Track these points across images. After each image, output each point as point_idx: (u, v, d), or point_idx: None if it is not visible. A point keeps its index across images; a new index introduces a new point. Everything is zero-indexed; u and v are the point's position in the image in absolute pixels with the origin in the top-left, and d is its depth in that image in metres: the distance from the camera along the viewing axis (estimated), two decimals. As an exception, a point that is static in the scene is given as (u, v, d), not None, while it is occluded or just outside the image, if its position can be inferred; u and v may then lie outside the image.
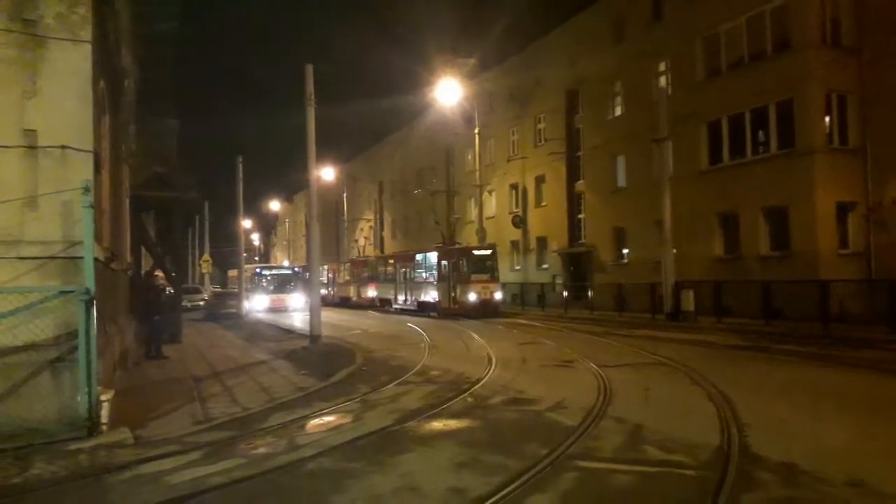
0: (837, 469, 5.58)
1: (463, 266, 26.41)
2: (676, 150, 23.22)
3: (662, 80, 25.13)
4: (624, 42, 27.35)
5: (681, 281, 21.36)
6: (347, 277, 40.80)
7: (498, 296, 26.44)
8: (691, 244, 23.00)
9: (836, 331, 15.86)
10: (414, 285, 30.50)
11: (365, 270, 37.99)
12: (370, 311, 33.83)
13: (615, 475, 5.71)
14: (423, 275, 29.73)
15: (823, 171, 19.64)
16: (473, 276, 25.98)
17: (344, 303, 40.01)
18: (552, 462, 5.97)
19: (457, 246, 28.89)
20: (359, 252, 46.28)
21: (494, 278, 26.58)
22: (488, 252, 27.20)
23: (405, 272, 31.74)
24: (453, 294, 26.43)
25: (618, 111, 28.36)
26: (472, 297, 25.57)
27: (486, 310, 25.26)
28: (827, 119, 20.02)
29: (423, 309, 29.03)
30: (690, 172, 23.50)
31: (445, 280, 27.19)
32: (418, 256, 30.62)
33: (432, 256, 28.94)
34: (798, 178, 19.87)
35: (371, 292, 36.25)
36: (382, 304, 34.22)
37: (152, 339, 14.78)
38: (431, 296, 28.43)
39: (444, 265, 27.53)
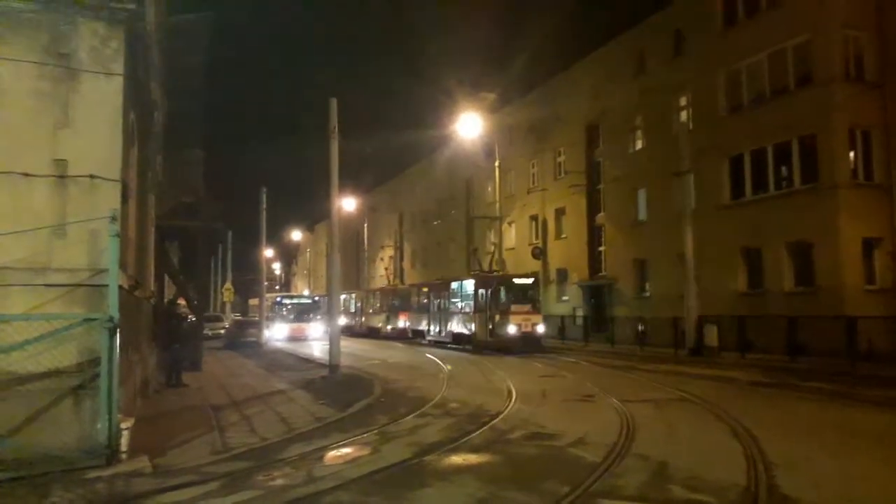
0: (870, 513, 5.40)
1: (501, 295, 24.41)
2: (698, 184, 23.13)
3: (683, 115, 25.14)
4: (645, 76, 27.47)
5: (704, 316, 21.07)
6: (377, 306, 39.38)
7: (540, 329, 24.08)
8: (714, 278, 22.73)
9: (862, 368, 15.50)
10: (448, 315, 28.29)
11: (396, 299, 36.39)
12: (396, 343, 31.97)
13: None
14: (459, 304, 27.51)
15: (848, 206, 19.41)
16: (513, 307, 23.88)
17: (372, 333, 38.35)
18: (574, 500, 5.85)
19: (495, 273, 26.67)
20: (388, 280, 44.64)
21: (536, 309, 24.50)
22: (530, 281, 25.33)
23: (439, 302, 29.55)
24: (490, 326, 24.12)
25: (639, 144, 28.38)
26: (512, 329, 23.39)
27: (526, 344, 23.01)
28: (851, 154, 19.85)
29: (457, 341, 26.91)
30: (713, 206, 23.35)
31: (482, 310, 24.84)
32: (453, 285, 28.25)
33: (468, 285, 26.63)
34: (822, 213, 19.64)
35: (402, 322, 34.41)
36: (415, 336, 32.11)
37: (173, 368, 14.84)
38: (467, 327, 26.20)
39: (481, 294, 25.22)
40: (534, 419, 10.12)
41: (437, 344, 28.54)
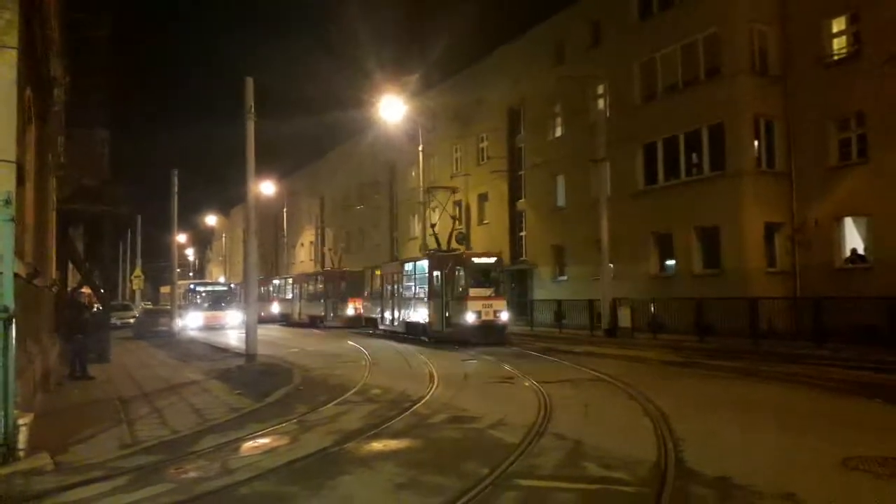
0: (770, 482, 5.71)
1: (458, 278, 20.87)
2: (614, 171, 23.82)
3: (601, 103, 25.79)
4: (564, 65, 27.97)
5: (618, 298, 21.81)
6: (320, 291, 34.89)
7: (504, 316, 20.52)
8: (628, 262, 23.57)
9: (764, 346, 16.44)
10: (402, 302, 24.72)
11: (344, 283, 32.35)
12: (344, 334, 27.56)
13: (556, 493, 5.69)
14: (413, 289, 23.92)
15: (752, 192, 20.48)
16: (472, 291, 20.36)
17: (314, 323, 34.45)
18: (492, 481, 5.92)
19: (453, 252, 22.50)
20: (332, 263, 38.87)
21: (500, 294, 20.92)
22: (492, 260, 21.45)
23: (392, 287, 25.81)
24: (446, 313, 20.85)
25: (558, 132, 28.94)
26: (470, 317, 19.83)
27: (487, 334, 19.81)
28: (755, 143, 20.91)
29: (412, 331, 23.66)
30: (627, 193, 24.13)
31: (437, 296, 21.45)
32: (407, 266, 24.74)
33: (423, 265, 23.09)
34: (728, 199, 20.64)
35: (351, 310, 31.07)
36: (368, 324, 28.65)
37: (76, 359, 14.09)
38: (421, 315, 22.81)
39: (436, 277, 21.65)
40: (455, 402, 10.19)
41: (391, 335, 25.19)
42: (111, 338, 18.62)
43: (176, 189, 30.00)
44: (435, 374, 13.37)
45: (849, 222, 19.57)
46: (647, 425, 8.12)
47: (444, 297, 21.01)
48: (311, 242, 55.29)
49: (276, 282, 43.99)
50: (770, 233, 20.78)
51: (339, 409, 10.04)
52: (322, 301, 33.96)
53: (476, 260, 21.33)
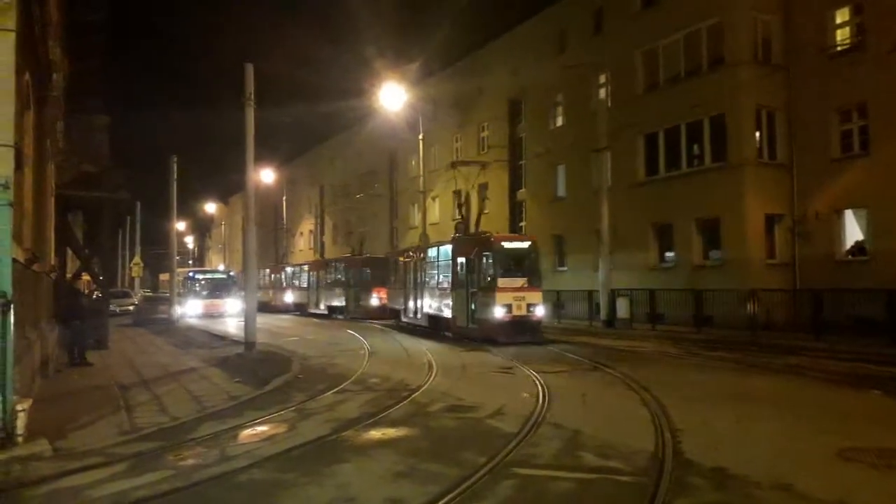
0: (765, 473, 5.72)
1: (487, 265, 18.00)
2: (615, 161, 23.74)
3: (602, 92, 25.66)
4: (566, 53, 27.82)
5: (617, 289, 21.81)
6: (341, 278, 32.26)
7: (539, 311, 17.73)
8: (628, 253, 23.54)
9: (763, 338, 16.46)
10: (424, 292, 22.05)
11: (367, 271, 29.99)
12: (371, 326, 25.15)
13: (553, 482, 5.71)
14: (437, 278, 21.04)
15: (753, 183, 20.42)
16: (501, 281, 17.42)
17: (333, 312, 32.23)
18: (490, 470, 5.93)
19: (480, 236, 19.62)
20: (352, 249, 35.15)
21: (534, 284, 17.90)
22: (525, 245, 18.54)
23: (414, 276, 23.08)
24: (472, 306, 18.20)
25: (559, 121, 28.82)
26: (498, 311, 17.12)
27: (519, 331, 17.10)
28: (757, 134, 20.83)
29: (434, 326, 21.07)
30: (628, 183, 24.06)
31: (461, 286, 18.82)
32: (430, 252, 21.94)
33: (446, 251, 20.49)
34: (729, 190, 20.58)
35: (374, 300, 28.53)
36: (392, 315, 26.27)
37: (75, 345, 14.11)
38: (444, 308, 20.06)
39: (461, 264, 19.01)
40: (453, 392, 10.21)
41: (413, 329, 22.66)
42: (109, 324, 18.64)
43: (175, 176, 29.92)
44: (433, 359, 13.39)
45: (849, 214, 19.53)
46: (645, 415, 8.14)
47: (469, 287, 18.42)
48: (311, 231, 55.19)
49: (289, 269, 42.18)
50: (770, 224, 20.75)
51: (337, 397, 10.05)
52: (343, 290, 31.42)
53: (506, 244, 18.31)
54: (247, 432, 7.86)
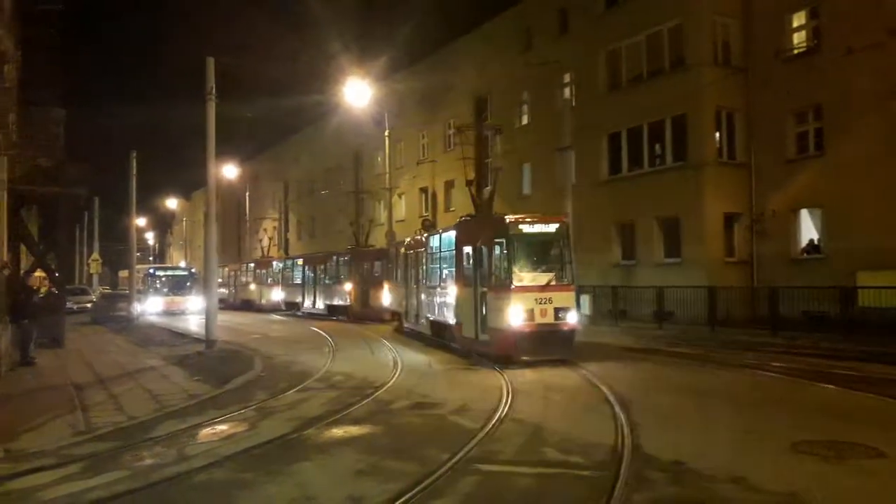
0: (722, 466, 5.85)
1: (499, 256, 13.29)
2: (579, 160, 23.89)
3: (567, 92, 25.86)
4: (531, 52, 27.97)
5: (580, 286, 22.00)
6: (343, 273, 27.96)
7: (571, 317, 12.89)
8: (591, 251, 23.75)
9: (722, 334, 16.80)
10: (426, 292, 17.68)
11: (376, 265, 26.09)
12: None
13: (514, 478, 5.76)
14: (439, 274, 16.65)
15: (713, 183, 20.81)
16: (520, 276, 12.79)
17: (333, 313, 28.33)
18: (452, 466, 5.94)
19: (492, 218, 14.95)
20: (357, 240, 30.36)
21: (565, 282, 13.20)
22: (552, 228, 13.77)
23: (415, 271, 18.79)
24: (482, 311, 13.41)
25: (525, 120, 28.97)
26: (516, 318, 12.41)
27: (546, 346, 12.54)
28: (717, 135, 21.23)
29: (438, 334, 16.56)
30: (592, 182, 24.31)
31: (468, 284, 14.11)
32: (432, 241, 17.41)
33: (449, 239, 16.10)
34: (690, 189, 20.95)
35: (385, 299, 23.30)
36: (393, 317, 22.12)
37: (24, 344, 13.72)
38: (448, 313, 15.51)
39: (467, 256, 14.47)
40: (418, 389, 10.20)
41: (416, 337, 18.29)
42: (65, 322, 18.18)
43: (135, 171, 29.29)
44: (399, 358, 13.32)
45: (805, 214, 20.04)
46: (606, 410, 8.24)
47: (478, 285, 13.72)
48: (275, 227, 54.59)
49: (278, 264, 38.44)
50: (730, 223, 21.17)
51: (299, 395, 9.97)
52: (345, 287, 27.30)
53: (527, 227, 13.51)
54: (206, 431, 7.75)
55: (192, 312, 31.92)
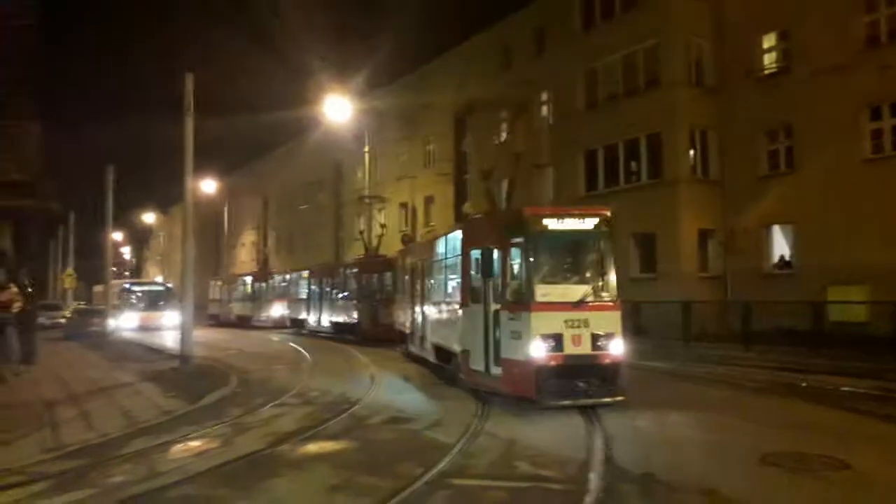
0: (692, 478, 5.93)
1: (517, 261, 10.03)
2: (557, 177, 24.20)
3: (545, 110, 26.17)
4: (510, 71, 28.29)
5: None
6: (353, 287, 24.42)
7: (615, 347, 9.62)
8: (569, 266, 23.93)
9: (696, 348, 17.00)
10: (429, 310, 14.51)
11: (388, 275, 22.61)
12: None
13: (487, 492, 5.78)
14: (444, 287, 13.40)
15: (687, 199, 21.16)
16: (543, 290, 9.53)
17: (341, 331, 24.68)
18: (426, 481, 5.96)
19: (510, 210, 12.26)
20: (365, 245, 26.57)
21: (605, 298, 9.92)
22: (588, 224, 10.05)
23: (419, 285, 15.58)
24: (495, 335, 10.05)
25: (503, 137, 29.21)
26: (537, 349, 9.09)
27: (579, 384, 9.28)
28: (691, 152, 21.61)
29: (445, 360, 12.88)
30: (569, 198, 24.52)
31: (476, 300, 10.72)
32: (438, 246, 14.09)
33: (455, 241, 12.69)
34: (665, 206, 21.26)
35: (392, 316, 20.18)
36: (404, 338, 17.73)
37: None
38: (452, 337, 12.06)
39: (475, 263, 10.91)
40: (394, 404, 10.19)
41: (423, 363, 15.04)
42: (37, 338, 17.87)
43: (111, 185, 29.02)
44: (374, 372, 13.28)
45: (776, 230, 20.42)
46: (580, 423, 8.31)
47: (488, 301, 10.32)
48: (253, 242, 54.28)
49: (278, 277, 35.77)
50: (703, 239, 21.50)
51: (275, 411, 9.91)
52: (356, 303, 23.76)
53: (554, 223, 9.88)
54: (178, 447, 7.67)
55: (168, 328, 31.52)
